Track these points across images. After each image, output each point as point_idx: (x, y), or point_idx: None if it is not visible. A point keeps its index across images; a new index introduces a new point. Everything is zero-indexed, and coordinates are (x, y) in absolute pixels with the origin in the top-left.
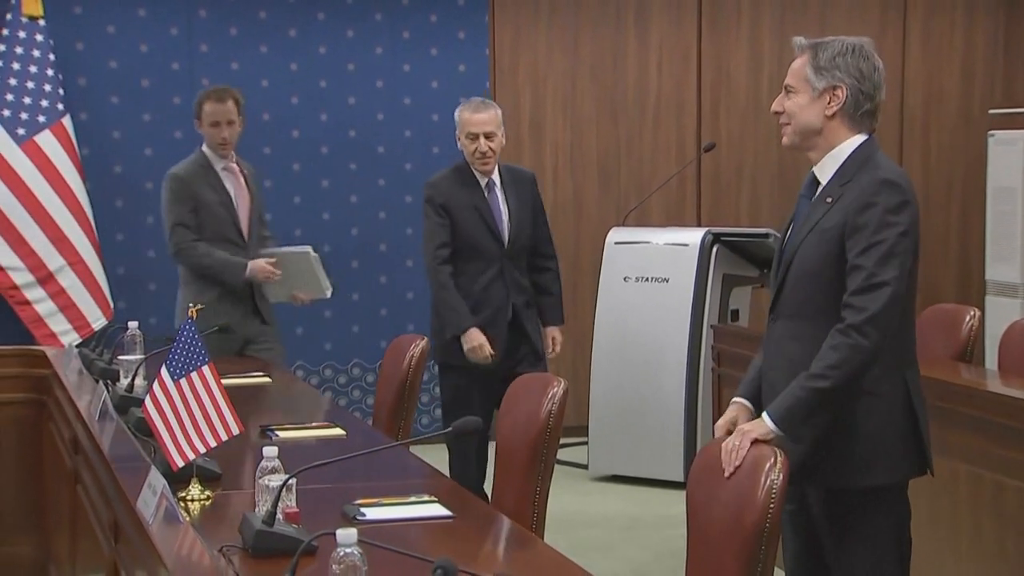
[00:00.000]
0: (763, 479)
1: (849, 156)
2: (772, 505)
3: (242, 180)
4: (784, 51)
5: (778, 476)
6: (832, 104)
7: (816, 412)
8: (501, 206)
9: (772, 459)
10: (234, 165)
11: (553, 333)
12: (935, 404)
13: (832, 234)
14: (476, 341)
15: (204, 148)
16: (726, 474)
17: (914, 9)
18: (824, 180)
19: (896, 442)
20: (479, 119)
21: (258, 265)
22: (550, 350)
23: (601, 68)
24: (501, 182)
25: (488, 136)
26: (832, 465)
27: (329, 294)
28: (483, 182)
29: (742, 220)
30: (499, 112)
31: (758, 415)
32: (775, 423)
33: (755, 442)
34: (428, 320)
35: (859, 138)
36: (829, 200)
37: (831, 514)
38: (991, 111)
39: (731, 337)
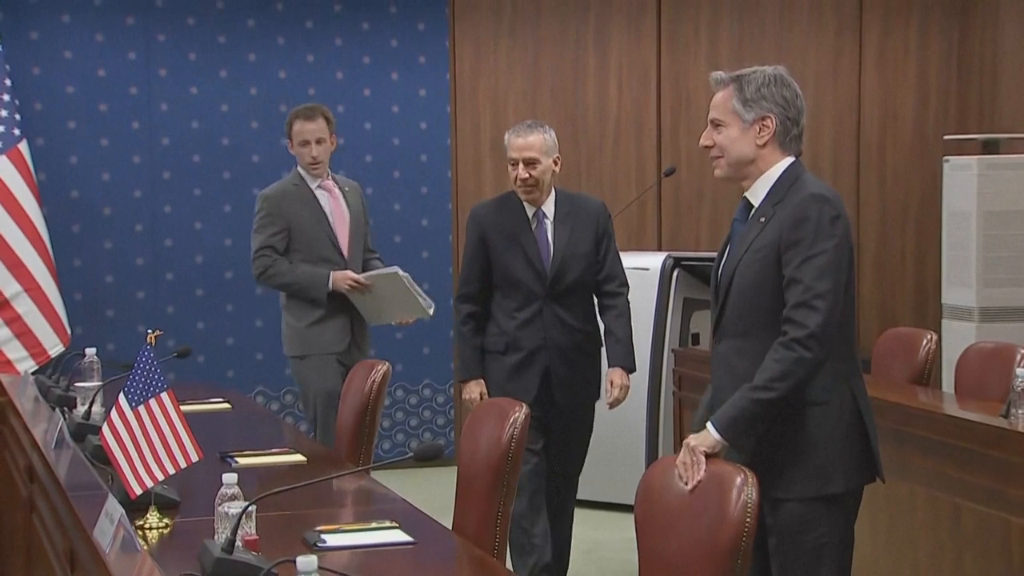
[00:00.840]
0: (735, 495)
1: (779, 178)
2: (748, 520)
3: (340, 197)
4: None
5: (751, 492)
6: (763, 134)
7: (759, 422)
8: (548, 239)
9: (742, 475)
10: (329, 182)
11: (612, 376)
12: (893, 427)
13: (767, 252)
14: (468, 395)
15: (298, 167)
16: (689, 487)
17: (869, 32)
18: (756, 202)
19: (848, 450)
20: (518, 143)
21: (341, 274)
22: (609, 394)
23: (561, 89)
24: (555, 214)
25: (528, 163)
26: (786, 476)
27: (432, 312)
28: (531, 212)
29: (703, 244)
30: (547, 136)
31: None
32: (720, 433)
33: (708, 457)
34: (388, 346)
35: (787, 160)
36: (763, 220)
37: (780, 524)
38: (946, 137)
39: (692, 361)
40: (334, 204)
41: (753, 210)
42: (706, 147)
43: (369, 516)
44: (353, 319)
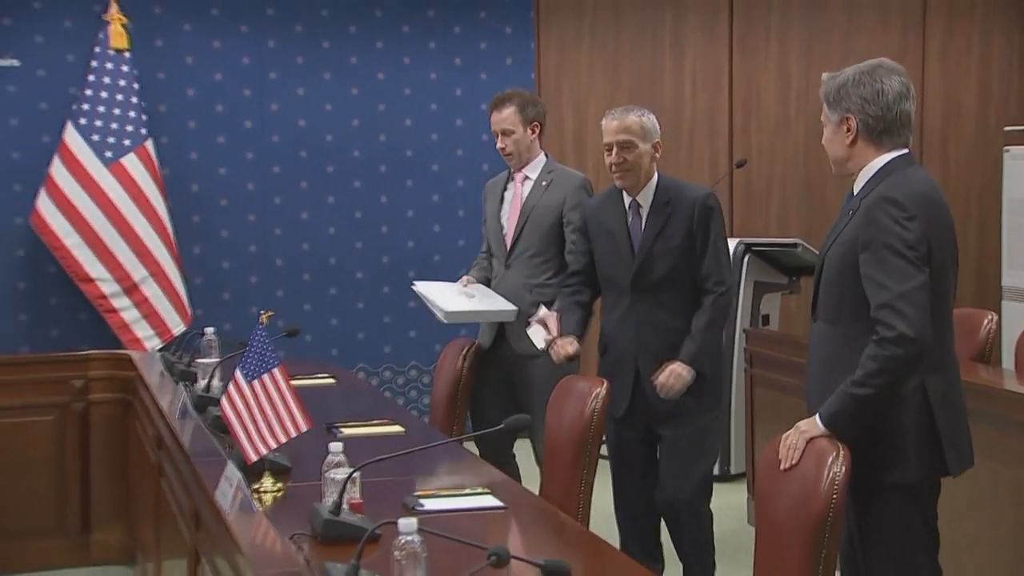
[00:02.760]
0: (826, 472)
1: (874, 173)
2: (835, 496)
3: (524, 190)
4: (811, 72)
5: (840, 468)
6: (849, 133)
7: (861, 416)
8: (640, 231)
9: (835, 453)
10: (521, 173)
11: (669, 364)
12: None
13: (849, 246)
14: (561, 351)
15: None
16: (782, 467)
17: (932, 30)
18: (647, 204)
19: (910, 443)
20: (612, 126)
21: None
22: (655, 375)
23: (639, 89)
24: (652, 204)
25: (623, 146)
26: (855, 462)
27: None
28: (627, 203)
29: (772, 231)
30: (645, 120)
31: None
32: (824, 424)
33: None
34: (478, 325)
35: (890, 155)
36: (851, 213)
37: (857, 508)
38: (1006, 128)
39: (763, 340)
40: (514, 196)
41: (849, 202)
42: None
43: (463, 483)
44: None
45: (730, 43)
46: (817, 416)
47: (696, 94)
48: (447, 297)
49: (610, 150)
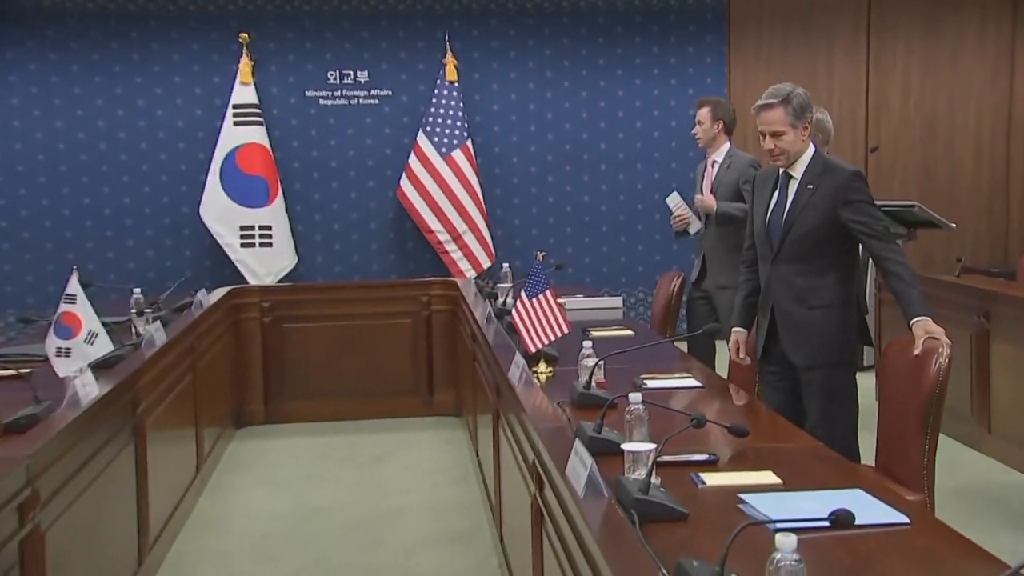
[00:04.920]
0: (934, 361)
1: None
2: (941, 378)
3: (712, 171)
4: (925, 84)
5: (944, 360)
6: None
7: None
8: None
9: (940, 349)
10: (711, 159)
11: (913, 329)
12: None
13: (826, 204)
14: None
15: None
16: (916, 352)
17: (1019, 55)
18: (798, 175)
19: (841, 335)
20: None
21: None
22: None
23: None
24: (803, 175)
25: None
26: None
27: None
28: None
29: (895, 196)
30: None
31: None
32: (927, 315)
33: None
34: (673, 262)
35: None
36: (810, 187)
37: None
38: None
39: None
40: (707, 175)
41: (797, 181)
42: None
43: (672, 369)
44: (705, 255)
45: (867, 63)
46: (921, 318)
47: (842, 100)
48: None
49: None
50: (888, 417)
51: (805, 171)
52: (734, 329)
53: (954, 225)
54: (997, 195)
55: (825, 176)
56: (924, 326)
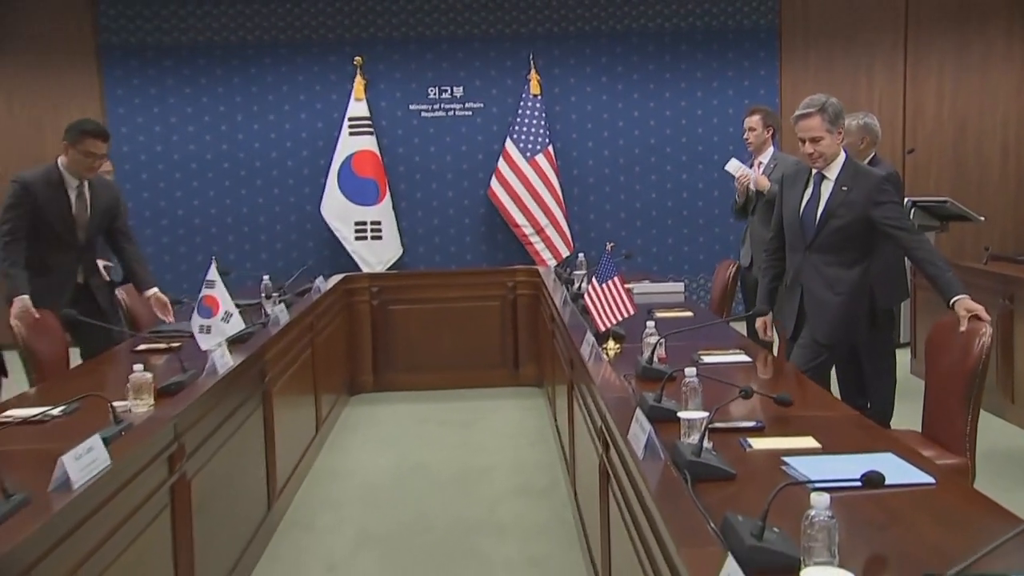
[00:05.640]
0: (978, 340)
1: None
2: (984, 355)
3: (757, 172)
4: (958, 94)
5: (988, 338)
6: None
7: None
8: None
9: (984, 330)
10: (757, 160)
11: (956, 307)
12: None
13: (859, 204)
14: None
15: None
16: (963, 328)
17: None
18: (832, 176)
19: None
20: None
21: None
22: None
23: (845, 104)
24: (837, 177)
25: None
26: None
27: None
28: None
29: (930, 192)
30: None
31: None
32: (964, 293)
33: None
34: (729, 251)
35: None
36: (845, 188)
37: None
38: None
39: None
40: (757, 176)
41: (832, 181)
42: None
43: (727, 346)
44: (751, 243)
45: (904, 74)
46: (961, 297)
47: (882, 107)
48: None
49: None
50: (934, 389)
51: (840, 173)
52: (760, 311)
53: (983, 218)
54: (1023, 190)
55: (858, 179)
56: (964, 304)
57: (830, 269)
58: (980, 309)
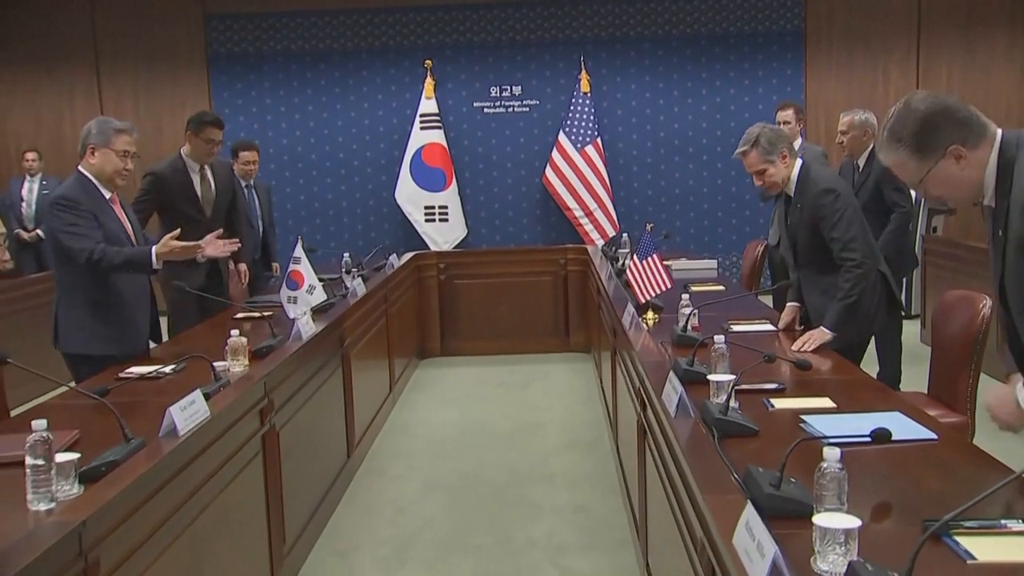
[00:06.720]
0: (978, 310)
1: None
2: (984, 325)
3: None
4: (965, 93)
5: (988, 311)
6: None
7: (850, 317)
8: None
9: (983, 302)
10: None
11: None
12: None
13: (807, 220)
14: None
15: None
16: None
17: None
18: (792, 194)
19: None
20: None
21: None
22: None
23: (862, 103)
24: (794, 196)
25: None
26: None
27: None
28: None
29: None
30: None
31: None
32: (831, 330)
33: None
34: (759, 232)
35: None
36: (799, 206)
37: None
38: None
39: (933, 241)
40: None
41: (792, 199)
42: None
43: (752, 317)
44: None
45: (917, 73)
46: (823, 328)
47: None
48: None
49: (842, 143)
50: (940, 355)
51: (795, 190)
52: (789, 304)
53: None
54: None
55: (804, 195)
56: (817, 334)
57: (824, 278)
58: (815, 343)
